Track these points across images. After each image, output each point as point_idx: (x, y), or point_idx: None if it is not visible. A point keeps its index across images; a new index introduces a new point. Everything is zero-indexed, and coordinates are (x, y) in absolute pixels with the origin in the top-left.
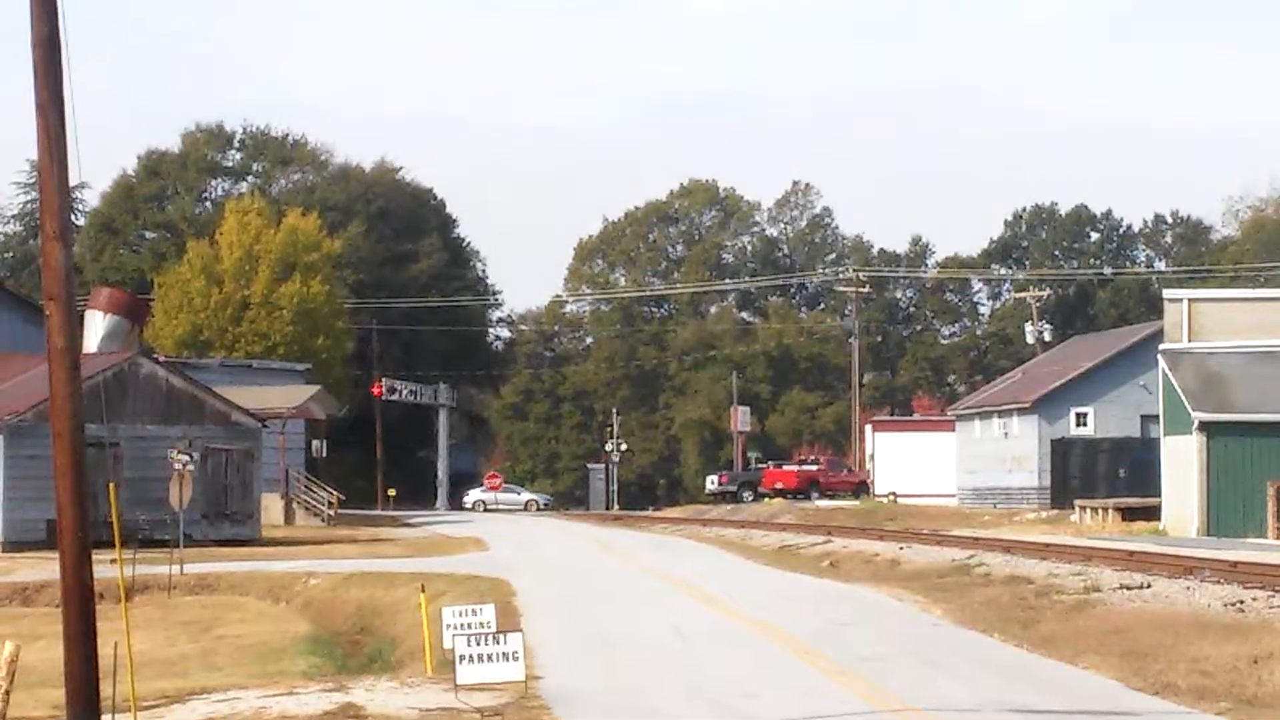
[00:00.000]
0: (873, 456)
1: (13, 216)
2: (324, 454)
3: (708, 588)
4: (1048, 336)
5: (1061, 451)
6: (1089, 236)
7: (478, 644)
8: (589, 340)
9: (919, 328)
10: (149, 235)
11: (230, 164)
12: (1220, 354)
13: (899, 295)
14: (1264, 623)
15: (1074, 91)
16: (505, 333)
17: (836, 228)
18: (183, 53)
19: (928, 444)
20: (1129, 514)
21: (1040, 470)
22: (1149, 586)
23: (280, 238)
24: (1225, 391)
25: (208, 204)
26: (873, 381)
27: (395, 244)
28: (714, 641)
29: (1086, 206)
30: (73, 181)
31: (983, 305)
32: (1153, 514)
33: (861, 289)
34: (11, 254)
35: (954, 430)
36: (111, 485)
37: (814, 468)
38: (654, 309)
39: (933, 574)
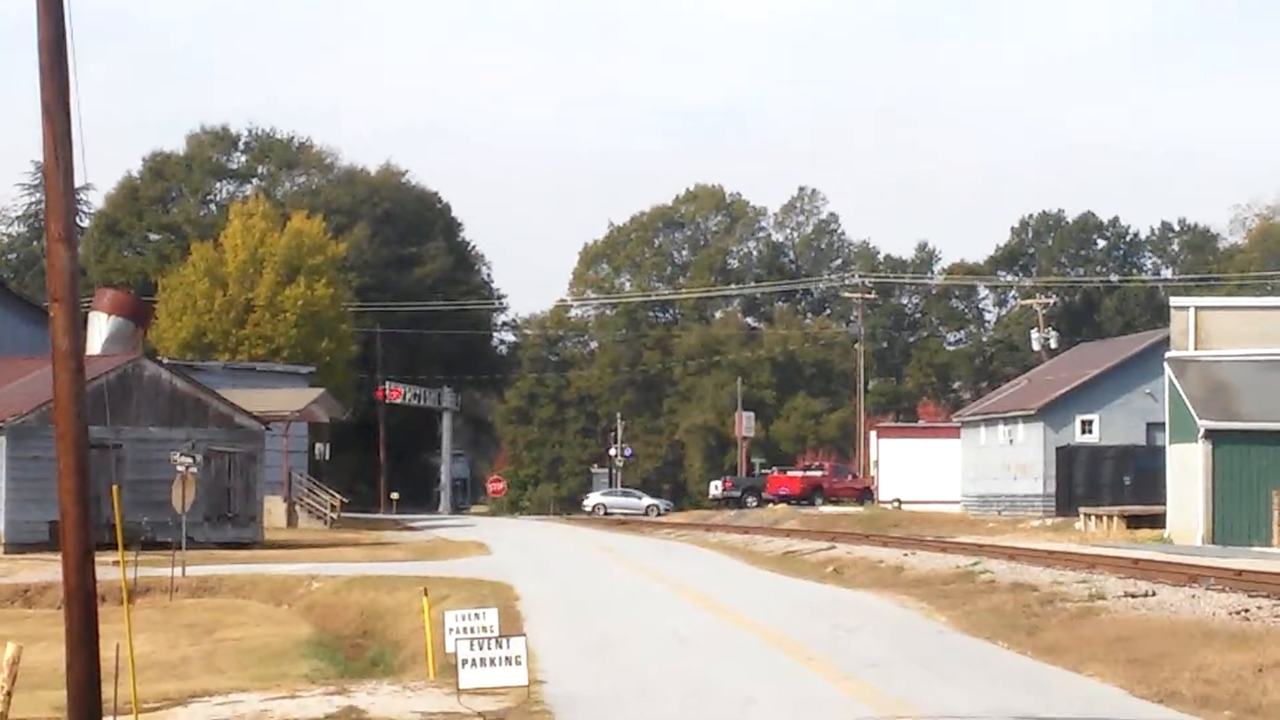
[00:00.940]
0: (877, 463)
1: (17, 218)
2: (327, 457)
3: (711, 593)
4: (1053, 344)
5: (1066, 459)
6: (1096, 244)
7: (480, 648)
8: (593, 345)
9: (924, 334)
10: (153, 237)
11: (235, 166)
12: (1226, 362)
13: (905, 301)
14: (1269, 631)
15: (1081, 100)
16: (510, 337)
17: (842, 233)
18: (188, 56)
19: (932, 450)
20: (1134, 522)
21: (1045, 477)
22: (1154, 594)
23: (285, 240)
24: (1231, 400)
25: (212, 206)
26: (878, 388)
27: (400, 247)
28: (716, 647)
29: (1093, 214)
30: (78, 183)
31: (989, 312)
32: (1158, 522)
33: (867, 295)
34: (16, 255)
35: (959, 437)
36: (114, 487)
37: (818, 474)
38: (659, 314)
39: (937, 580)
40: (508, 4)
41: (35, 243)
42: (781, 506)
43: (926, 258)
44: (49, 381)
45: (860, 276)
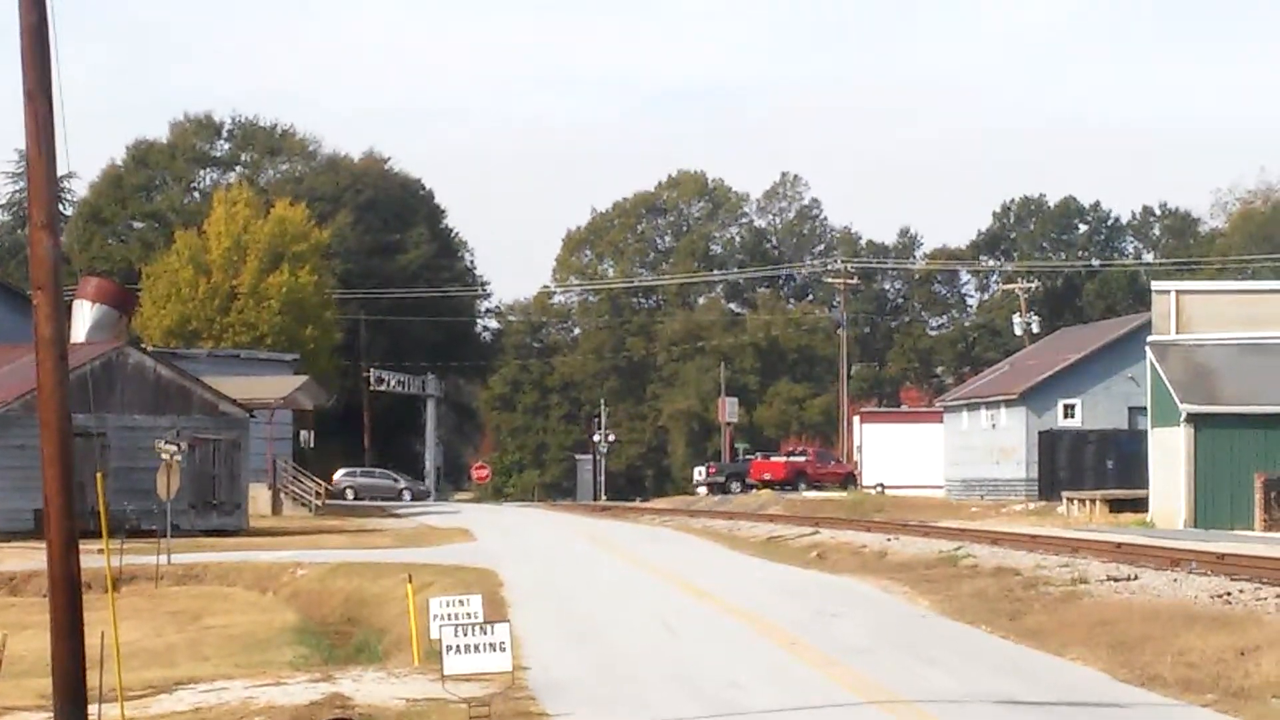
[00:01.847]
0: (860, 448)
1: (1, 206)
2: (312, 444)
3: (695, 579)
4: (1036, 328)
5: (1049, 443)
6: (1077, 228)
7: (465, 634)
8: (577, 331)
9: (907, 319)
10: (137, 225)
11: (218, 154)
12: (1208, 346)
13: (887, 287)
14: (1251, 614)
15: (1062, 84)
16: (493, 323)
17: (825, 219)
18: (171, 42)
19: (915, 435)
20: (1116, 506)
21: (1028, 462)
22: (1136, 578)
23: (268, 228)
24: (1213, 383)
25: (196, 194)
26: (860, 373)
27: (383, 234)
28: (701, 632)
29: (1075, 198)
30: (61, 171)
31: (971, 297)
32: (1140, 506)
33: (849, 280)
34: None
35: (942, 422)
36: (99, 475)
37: (802, 459)
38: (642, 300)
39: (920, 565)
40: None
41: (19, 230)
42: (765, 492)
43: (908, 243)
44: (33, 370)
45: (842, 262)
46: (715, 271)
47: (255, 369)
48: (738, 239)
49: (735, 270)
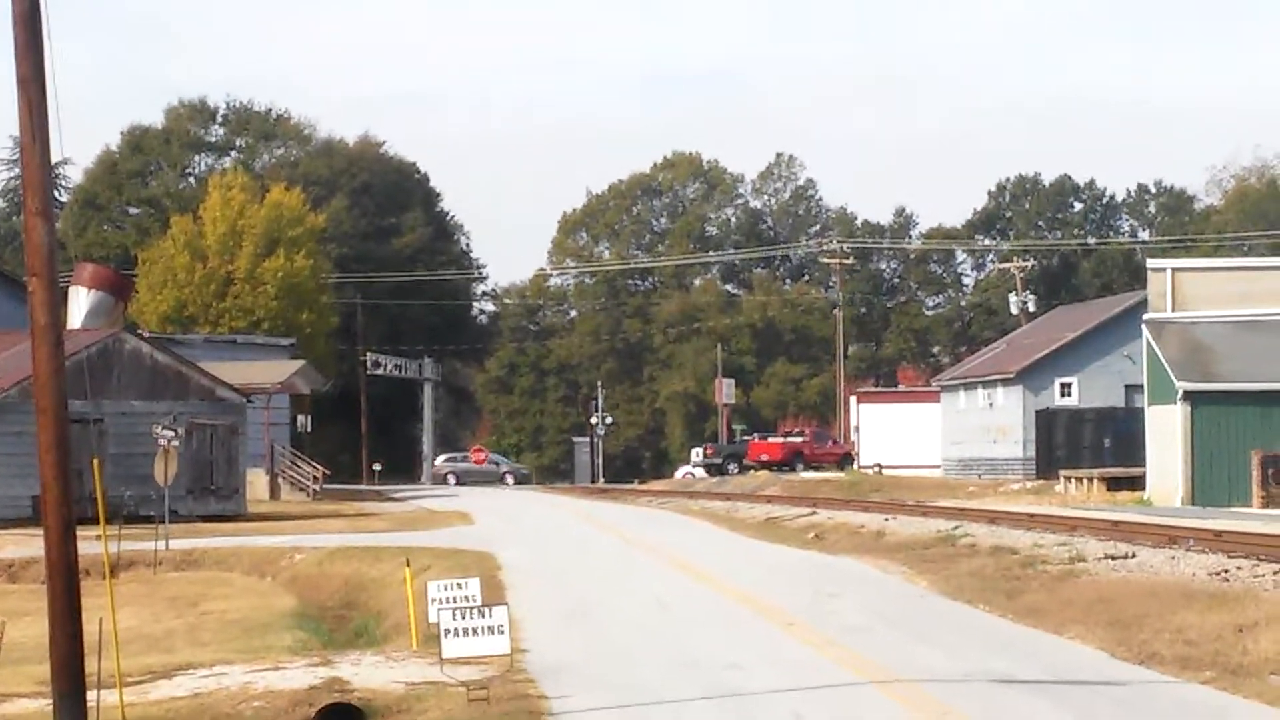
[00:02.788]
0: (858, 428)
1: None
2: (309, 429)
3: (693, 560)
4: (1032, 307)
5: (1046, 422)
6: (1072, 207)
7: (463, 618)
8: (573, 313)
9: (903, 299)
10: (132, 211)
11: (214, 139)
12: (1204, 323)
13: (883, 267)
14: (1248, 592)
15: (1056, 62)
16: (490, 306)
17: (820, 199)
18: (166, 28)
19: (912, 415)
20: (1114, 484)
21: (1025, 441)
22: (1134, 556)
23: (264, 213)
24: (1209, 361)
25: (191, 179)
26: (857, 353)
27: (379, 218)
28: (699, 614)
29: (1070, 177)
30: (55, 158)
31: (967, 276)
32: (1137, 484)
33: (845, 261)
34: None
35: (939, 401)
36: (96, 461)
37: (799, 440)
38: (638, 282)
39: (918, 545)
40: None
41: (14, 218)
42: (763, 473)
43: (904, 222)
44: (29, 356)
45: (838, 242)
46: (711, 253)
47: (252, 354)
48: (733, 220)
49: (731, 251)
